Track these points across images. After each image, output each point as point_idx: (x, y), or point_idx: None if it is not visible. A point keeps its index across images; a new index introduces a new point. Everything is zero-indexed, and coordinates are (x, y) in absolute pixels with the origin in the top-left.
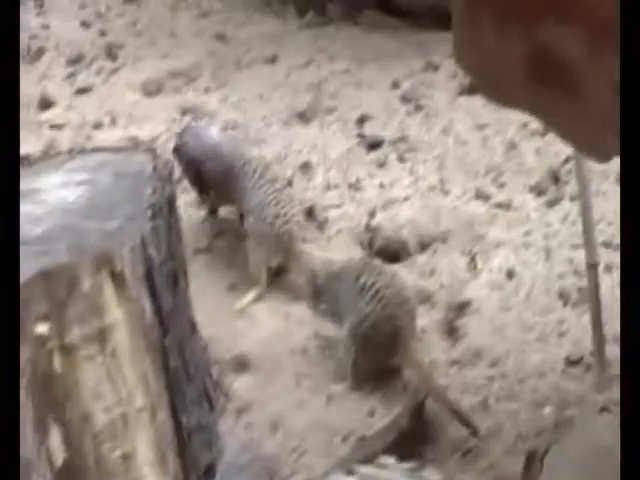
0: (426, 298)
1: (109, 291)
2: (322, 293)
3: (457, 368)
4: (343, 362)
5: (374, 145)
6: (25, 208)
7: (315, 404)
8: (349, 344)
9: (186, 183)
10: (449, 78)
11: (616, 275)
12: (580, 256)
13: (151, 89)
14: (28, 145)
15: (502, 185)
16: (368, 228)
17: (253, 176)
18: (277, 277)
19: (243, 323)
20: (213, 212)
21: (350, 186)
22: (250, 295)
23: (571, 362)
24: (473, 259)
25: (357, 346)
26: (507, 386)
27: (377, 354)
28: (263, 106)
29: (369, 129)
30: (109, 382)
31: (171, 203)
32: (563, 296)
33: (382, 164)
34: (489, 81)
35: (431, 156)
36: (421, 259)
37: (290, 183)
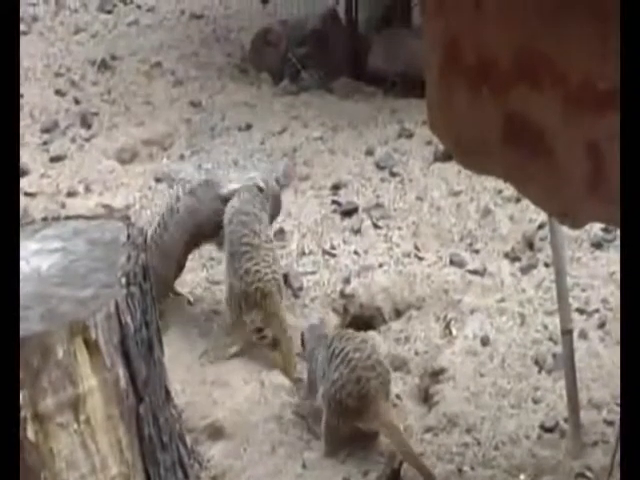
0: (401, 365)
1: (83, 359)
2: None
3: (432, 435)
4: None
5: (348, 212)
6: None
7: (290, 471)
8: (322, 408)
9: None
10: (423, 145)
11: (591, 341)
12: (555, 322)
13: (125, 157)
14: None
15: (476, 251)
16: (343, 295)
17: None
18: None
19: (218, 391)
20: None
21: (325, 253)
22: (233, 348)
23: (546, 429)
24: (448, 326)
25: (328, 409)
26: (482, 453)
27: (348, 417)
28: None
29: (343, 196)
30: (83, 450)
31: (145, 271)
32: (538, 362)
33: (357, 231)
34: (464, 148)
35: (405, 223)
36: (396, 326)
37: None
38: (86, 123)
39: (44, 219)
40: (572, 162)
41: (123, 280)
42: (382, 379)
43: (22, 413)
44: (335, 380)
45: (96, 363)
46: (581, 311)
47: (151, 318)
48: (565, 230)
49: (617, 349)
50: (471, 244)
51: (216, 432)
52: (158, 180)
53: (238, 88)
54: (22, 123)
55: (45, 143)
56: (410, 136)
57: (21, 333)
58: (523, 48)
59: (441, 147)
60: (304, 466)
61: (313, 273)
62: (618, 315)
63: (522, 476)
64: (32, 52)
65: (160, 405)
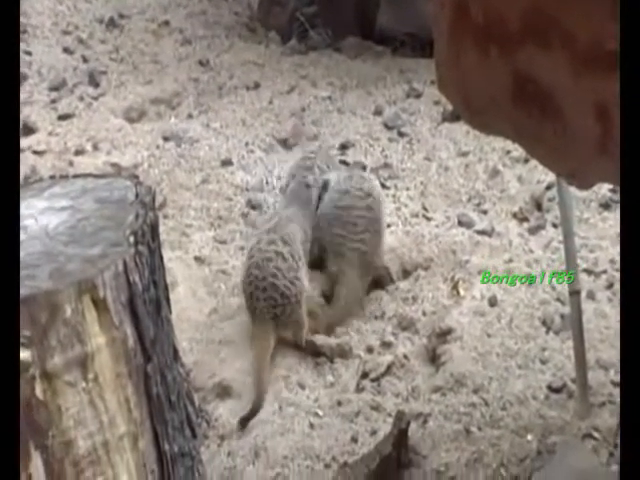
0: (409, 325)
1: (91, 317)
2: None
3: (439, 395)
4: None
5: None
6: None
7: (298, 430)
8: None
9: (169, 209)
10: (432, 105)
11: (599, 302)
12: (562, 283)
13: (133, 115)
14: None
15: (484, 212)
16: None
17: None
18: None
19: (226, 350)
20: None
21: None
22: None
23: (553, 389)
24: (455, 286)
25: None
26: (489, 413)
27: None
28: (245, 132)
29: (351, 156)
30: (91, 409)
31: (154, 229)
32: (545, 323)
33: None
34: (472, 108)
35: (413, 183)
36: (404, 286)
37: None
38: (94, 81)
39: (52, 177)
40: (581, 123)
41: (131, 239)
42: (269, 297)
43: (30, 371)
44: (247, 267)
45: (104, 321)
46: (589, 272)
47: (159, 277)
48: (573, 191)
49: None
50: (479, 204)
51: (224, 391)
52: (166, 139)
53: (246, 47)
54: (30, 81)
55: (53, 101)
56: (418, 96)
57: (29, 291)
58: (531, 8)
59: (449, 107)
60: (311, 426)
61: None
62: None
63: (529, 436)
64: (40, 10)
65: (168, 364)
